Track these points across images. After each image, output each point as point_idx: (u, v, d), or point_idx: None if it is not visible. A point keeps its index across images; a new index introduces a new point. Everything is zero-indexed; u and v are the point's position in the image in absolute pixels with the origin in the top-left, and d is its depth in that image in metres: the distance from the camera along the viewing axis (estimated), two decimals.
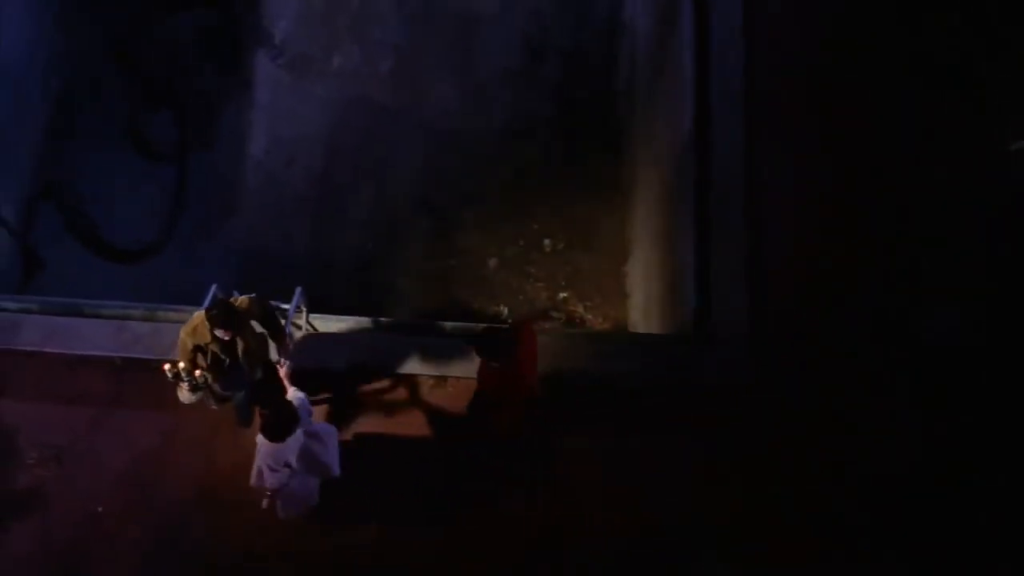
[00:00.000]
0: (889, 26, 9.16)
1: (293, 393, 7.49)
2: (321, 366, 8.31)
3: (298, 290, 8.28)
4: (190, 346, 7.33)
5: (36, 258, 10.27)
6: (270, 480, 7.21)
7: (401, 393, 8.29)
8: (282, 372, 7.87)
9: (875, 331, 8.39)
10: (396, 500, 7.92)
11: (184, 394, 7.58)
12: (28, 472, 8.06)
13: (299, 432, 7.14)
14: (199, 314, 7.29)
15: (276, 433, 6.99)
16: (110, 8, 11.52)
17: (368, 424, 8.16)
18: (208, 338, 7.22)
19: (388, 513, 7.94)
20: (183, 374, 7.37)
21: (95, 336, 8.61)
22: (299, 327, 8.46)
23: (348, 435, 8.05)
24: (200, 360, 7.39)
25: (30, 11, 10.90)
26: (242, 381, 7.65)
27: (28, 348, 8.51)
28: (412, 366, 8.33)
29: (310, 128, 11.20)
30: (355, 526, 7.87)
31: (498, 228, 10.83)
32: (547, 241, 10.81)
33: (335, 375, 8.32)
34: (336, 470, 7.55)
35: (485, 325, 8.28)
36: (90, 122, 11.07)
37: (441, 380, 8.29)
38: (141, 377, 8.32)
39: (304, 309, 8.43)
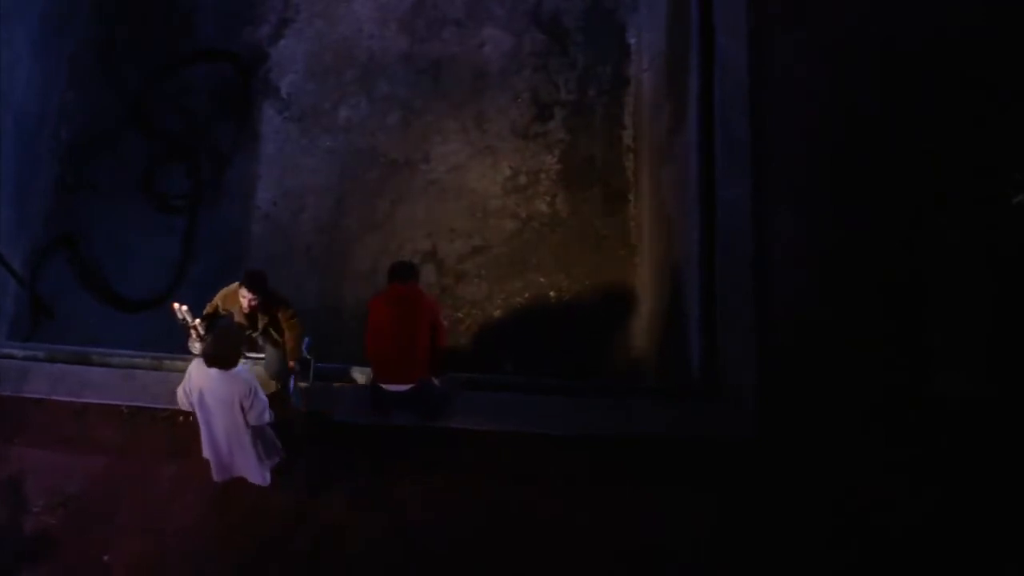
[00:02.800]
0: (898, 75, 9.31)
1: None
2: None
3: (306, 340, 8.34)
4: (217, 307, 8.00)
5: (44, 307, 10.31)
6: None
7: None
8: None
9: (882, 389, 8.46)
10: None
11: (194, 345, 7.99)
12: (34, 519, 8.06)
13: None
14: (237, 284, 7.85)
15: (213, 356, 7.06)
16: (122, 62, 11.67)
17: None
18: (237, 306, 7.86)
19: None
20: (188, 317, 7.91)
21: (102, 384, 8.66)
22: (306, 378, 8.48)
23: None
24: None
25: (42, 64, 11.05)
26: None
27: (35, 396, 8.55)
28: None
29: (318, 179, 11.28)
30: None
31: (504, 281, 10.86)
32: (552, 294, 10.84)
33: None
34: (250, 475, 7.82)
35: None
36: (101, 174, 11.17)
37: None
38: (148, 425, 8.37)
39: (311, 358, 8.45)
